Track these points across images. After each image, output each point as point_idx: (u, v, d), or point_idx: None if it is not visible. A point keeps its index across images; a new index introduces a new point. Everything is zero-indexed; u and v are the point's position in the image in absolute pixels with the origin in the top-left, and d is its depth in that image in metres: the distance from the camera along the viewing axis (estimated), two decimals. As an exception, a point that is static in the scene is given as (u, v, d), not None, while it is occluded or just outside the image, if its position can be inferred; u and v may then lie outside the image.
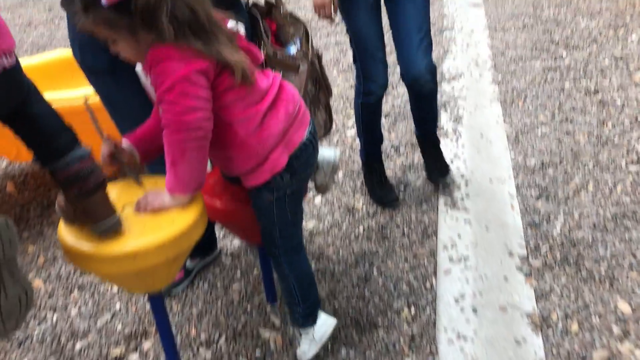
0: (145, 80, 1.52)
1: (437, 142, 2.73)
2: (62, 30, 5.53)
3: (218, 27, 1.38)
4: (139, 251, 1.33)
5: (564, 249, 2.33)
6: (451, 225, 2.46)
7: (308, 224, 2.59)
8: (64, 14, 3.57)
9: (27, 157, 2.73)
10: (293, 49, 1.94)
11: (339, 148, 3.16)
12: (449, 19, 4.93)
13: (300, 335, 1.86)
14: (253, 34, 1.93)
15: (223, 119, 1.45)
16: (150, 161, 1.61)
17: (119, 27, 1.31)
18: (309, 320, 1.84)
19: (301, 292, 1.78)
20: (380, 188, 2.67)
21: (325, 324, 1.86)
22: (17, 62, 1.22)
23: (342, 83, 3.97)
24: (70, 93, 2.73)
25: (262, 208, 1.64)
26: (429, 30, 2.37)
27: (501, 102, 3.55)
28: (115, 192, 1.53)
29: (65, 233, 1.40)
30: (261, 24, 1.92)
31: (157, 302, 1.58)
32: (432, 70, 2.39)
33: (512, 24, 4.78)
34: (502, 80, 3.83)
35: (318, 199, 2.76)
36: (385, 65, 2.43)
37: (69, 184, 1.29)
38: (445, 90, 3.67)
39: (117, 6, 1.27)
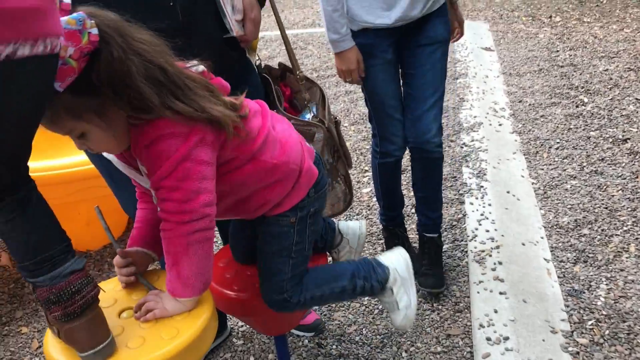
0: (123, 167, 1.31)
1: (440, 244, 2.42)
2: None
3: (190, 78, 1.18)
4: (136, 374, 1.11)
5: (612, 323, 2.09)
6: (485, 298, 2.23)
7: (326, 298, 2.36)
8: None
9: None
10: (308, 115, 1.77)
11: (354, 209, 2.96)
12: (462, 65, 4.78)
13: (397, 306, 1.59)
14: (265, 99, 1.75)
15: (243, 160, 1.28)
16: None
17: (86, 112, 1.09)
18: (378, 286, 1.56)
19: (338, 295, 1.55)
20: None
21: (394, 266, 1.59)
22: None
23: (355, 135, 3.79)
24: (72, 159, 2.55)
25: (279, 236, 1.44)
26: (444, 93, 2.20)
27: (524, 153, 3.36)
28: (113, 293, 1.32)
29: (51, 346, 1.18)
30: (274, 89, 1.75)
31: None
32: (440, 135, 2.20)
33: (527, 69, 4.62)
34: (523, 129, 3.64)
35: (336, 267, 2.54)
36: (403, 125, 2.25)
37: (51, 303, 1.08)
38: (464, 141, 3.48)
39: (76, 87, 1.05)
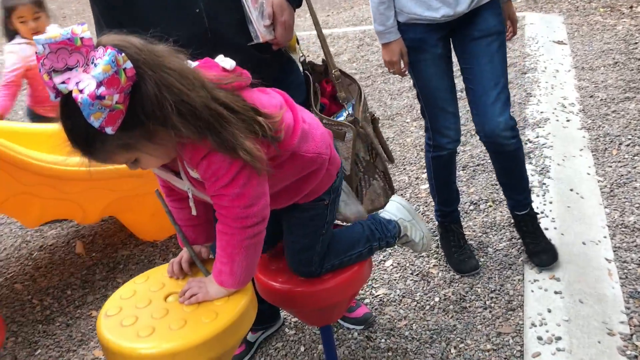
0: (159, 171, 1.37)
1: (534, 218, 2.38)
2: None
3: (223, 105, 1.17)
4: (178, 351, 1.18)
5: (676, 328, 2.00)
6: (540, 298, 2.18)
7: (377, 291, 2.39)
8: None
9: (94, 219, 2.71)
10: (344, 115, 1.80)
11: (412, 203, 2.96)
12: (531, 59, 4.64)
13: (412, 244, 1.81)
14: (307, 97, 1.80)
15: (284, 157, 1.34)
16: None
17: (138, 141, 1.14)
18: (393, 239, 1.74)
19: (356, 259, 1.63)
20: (458, 253, 2.42)
21: (399, 216, 1.77)
22: None
23: (416, 131, 3.77)
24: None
25: (314, 218, 1.51)
26: (507, 84, 2.15)
27: (592, 150, 3.24)
28: (162, 278, 1.41)
29: (103, 326, 1.28)
30: (312, 86, 1.80)
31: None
32: (511, 126, 2.16)
33: (602, 62, 4.43)
34: (592, 125, 3.50)
35: (389, 262, 2.56)
36: (457, 118, 2.24)
37: None
38: (529, 137, 3.40)
39: (125, 123, 1.09)
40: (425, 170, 3.25)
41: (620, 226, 2.58)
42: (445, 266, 2.46)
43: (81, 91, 1.02)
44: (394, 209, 1.80)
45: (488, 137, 2.17)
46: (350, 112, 1.79)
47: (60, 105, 1.09)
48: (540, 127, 3.52)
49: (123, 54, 1.05)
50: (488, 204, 2.85)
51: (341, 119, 1.79)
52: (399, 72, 2.15)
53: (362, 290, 2.41)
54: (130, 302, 1.33)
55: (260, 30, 1.58)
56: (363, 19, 7.00)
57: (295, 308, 1.65)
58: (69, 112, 1.07)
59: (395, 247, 2.64)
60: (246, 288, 1.34)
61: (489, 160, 2.74)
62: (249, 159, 1.17)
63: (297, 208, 1.49)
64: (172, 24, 1.45)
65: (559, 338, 1.97)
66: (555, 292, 2.18)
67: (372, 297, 2.37)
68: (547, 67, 4.46)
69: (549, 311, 2.10)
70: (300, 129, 1.36)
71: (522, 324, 2.09)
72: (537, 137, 3.40)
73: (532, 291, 2.22)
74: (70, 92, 1.04)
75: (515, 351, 1.99)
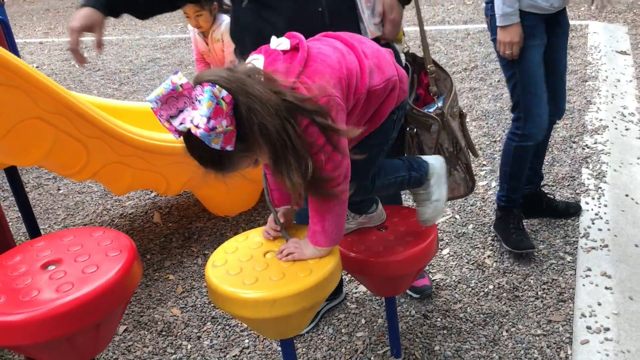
0: None
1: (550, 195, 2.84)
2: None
3: (289, 136, 1.33)
4: (278, 298, 1.38)
5: None
6: (590, 292, 2.31)
7: (434, 276, 2.55)
8: None
9: (175, 192, 2.95)
10: (433, 107, 1.97)
11: (468, 200, 3.10)
12: (593, 68, 4.70)
13: (428, 199, 1.83)
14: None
15: (362, 99, 1.52)
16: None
17: (252, 147, 1.32)
18: (422, 178, 1.81)
19: (398, 185, 1.79)
20: (516, 234, 2.58)
21: (432, 162, 1.84)
22: None
23: (475, 131, 3.90)
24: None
25: (383, 131, 1.67)
26: None
27: (650, 159, 3.31)
28: (259, 239, 1.61)
29: (212, 274, 1.49)
30: (410, 76, 1.99)
31: (288, 346, 1.62)
32: None
33: (665, 75, 4.46)
34: (651, 135, 3.57)
35: (445, 251, 2.71)
36: (548, 107, 2.45)
37: None
38: (587, 143, 3.49)
39: (239, 139, 1.28)
40: (483, 168, 3.39)
41: (673, 233, 2.67)
42: (500, 257, 2.61)
43: (197, 126, 1.21)
44: (432, 157, 1.87)
45: (559, 116, 2.59)
46: (439, 105, 1.96)
47: (185, 142, 1.30)
48: (598, 134, 3.61)
49: (217, 86, 1.22)
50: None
51: (431, 110, 1.96)
52: (515, 54, 2.34)
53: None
54: (234, 256, 1.54)
55: (370, 29, 1.78)
56: (424, 19, 7.10)
57: (367, 276, 1.84)
58: (193, 144, 1.28)
59: (451, 236, 2.80)
60: (334, 252, 1.53)
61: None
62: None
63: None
64: (296, 20, 1.67)
65: (607, 329, 2.11)
66: (606, 288, 2.31)
67: (429, 282, 2.53)
68: (609, 76, 4.51)
69: (599, 304, 2.23)
70: (367, 67, 1.51)
71: (572, 314, 2.23)
72: (595, 143, 3.49)
73: (584, 285, 2.35)
74: (189, 129, 1.23)
75: (564, 337, 2.12)
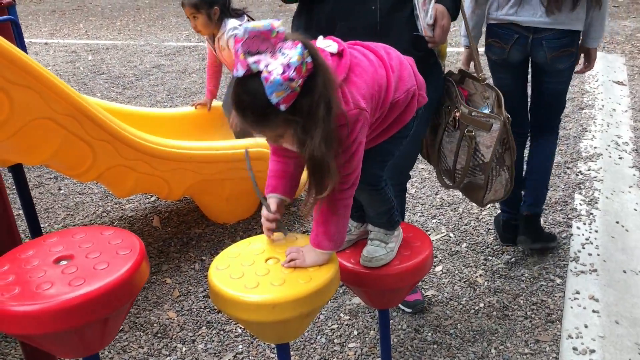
0: None
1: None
2: (212, 79, 6.03)
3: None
4: (278, 303, 1.44)
5: None
6: (578, 314, 2.37)
7: (427, 292, 2.61)
8: None
9: (176, 197, 3.01)
10: (487, 110, 2.13)
11: (464, 218, 3.17)
12: (590, 96, 4.80)
13: (386, 243, 1.82)
14: (447, 97, 2.18)
15: (385, 111, 1.62)
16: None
17: (293, 120, 1.37)
18: (398, 221, 1.86)
19: (391, 205, 1.83)
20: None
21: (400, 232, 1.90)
22: None
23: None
24: (223, 143, 2.99)
25: (404, 128, 1.74)
26: None
27: (641, 188, 3.39)
28: (262, 245, 1.67)
29: (214, 277, 1.55)
30: (456, 89, 2.15)
31: (283, 351, 1.67)
32: None
33: (659, 106, 4.56)
34: (644, 165, 3.66)
35: (439, 268, 2.77)
36: None
37: None
38: (581, 170, 3.57)
39: (292, 106, 1.33)
40: (478, 189, 3.45)
41: (661, 261, 2.73)
42: (492, 276, 2.67)
43: (269, 72, 1.27)
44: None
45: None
46: (489, 111, 2.13)
47: (236, 85, 1.35)
48: (592, 161, 3.69)
49: (307, 50, 1.31)
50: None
51: (485, 112, 2.12)
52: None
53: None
54: (237, 261, 1.59)
55: (424, 27, 1.97)
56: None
57: (362, 288, 1.89)
58: (247, 89, 1.32)
59: (445, 254, 2.86)
60: (333, 262, 1.59)
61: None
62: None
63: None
64: (352, 17, 1.78)
65: (593, 351, 2.16)
66: (593, 311, 2.37)
67: (422, 297, 2.59)
68: (605, 105, 4.61)
69: (586, 327, 2.29)
70: (393, 81, 1.59)
71: (560, 335, 2.29)
72: (589, 170, 3.57)
73: (572, 307, 2.41)
74: (253, 74, 1.29)
75: (551, 357, 2.18)
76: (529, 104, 2.72)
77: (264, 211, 1.67)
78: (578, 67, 2.63)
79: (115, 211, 3.48)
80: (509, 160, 2.15)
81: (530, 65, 2.61)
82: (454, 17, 2.08)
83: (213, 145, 2.93)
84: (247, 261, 1.59)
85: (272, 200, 1.68)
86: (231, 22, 3.20)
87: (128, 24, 9.67)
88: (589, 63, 2.64)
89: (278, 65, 1.28)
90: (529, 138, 2.77)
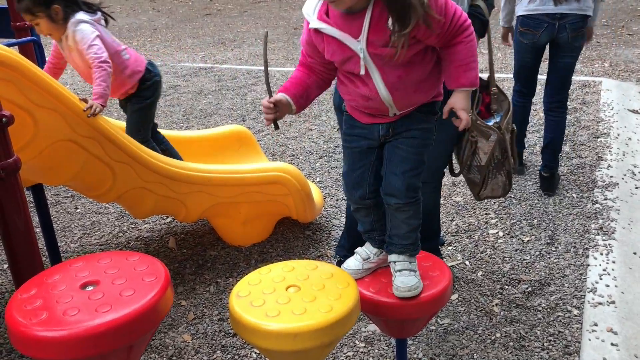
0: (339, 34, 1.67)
1: None
2: (228, 100, 6.09)
3: None
4: (300, 332, 1.44)
5: None
6: (596, 347, 2.35)
7: (443, 320, 2.59)
8: (231, 84, 3.91)
9: (193, 219, 3.02)
10: (493, 121, 2.35)
11: (479, 246, 3.16)
12: (605, 124, 4.79)
13: (415, 271, 1.84)
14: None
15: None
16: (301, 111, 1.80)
17: None
18: (419, 247, 1.91)
19: (419, 223, 1.87)
20: None
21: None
22: None
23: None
24: (240, 167, 3.02)
25: (427, 131, 1.82)
26: None
27: (659, 219, 3.37)
28: (282, 273, 1.67)
29: (236, 304, 1.55)
30: (477, 95, 2.32)
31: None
32: None
33: (675, 136, 4.55)
34: (660, 195, 3.64)
35: (455, 296, 2.76)
36: None
37: None
38: (597, 199, 3.56)
39: None
40: (494, 216, 3.45)
41: (679, 293, 2.71)
42: (508, 305, 2.65)
43: None
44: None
45: None
46: (497, 120, 2.35)
47: None
48: (609, 190, 3.67)
49: None
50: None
51: (490, 123, 2.37)
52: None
53: (428, 317, 2.62)
54: (257, 288, 1.60)
55: None
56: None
57: (381, 316, 1.89)
58: None
59: (461, 282, 2.85)
60: (353, 291, 1.59)
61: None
62: None
63: (415, 119, 1.78)
64: None
65: (612, 385, 2.14)
66: (612, 344, 2.35)
67: (438, 325, 2.58)
68: (620, 134, 4.60)
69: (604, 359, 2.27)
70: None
71: (578, 368, 2.26)
72: (605, 199, 3.55)
73: (590, 340, 2.39)
74: None
75: (569, 391, 2.16)
76: (544, 82, 3.76)
77: (266, 103, 1.68)
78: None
79: (131, 231, 3.50)
80: (508, 166, 2.41)
81: (549, 47, 3.56)
82: (480, 36, 2.27)
83: (230, 168, 2.96)
84: (268, 289, 1.60)
85: (278, 95, 1.72)
86: (78, 15, 2.77)
87: (145, 44, 9.80)
88: (590, 37, 3.68)
89: None
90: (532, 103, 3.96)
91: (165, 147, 3.23)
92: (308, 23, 1.70)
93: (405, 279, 1.80)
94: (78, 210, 3.79)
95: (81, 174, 2.54)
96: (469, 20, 1.67)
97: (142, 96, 3.07)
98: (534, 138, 4.53)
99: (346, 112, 1.89)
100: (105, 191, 2.66)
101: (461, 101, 1.73)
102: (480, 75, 2.35)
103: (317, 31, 1.68)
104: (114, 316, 1.24)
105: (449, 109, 1.75)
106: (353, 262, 1.93)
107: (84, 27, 2.76)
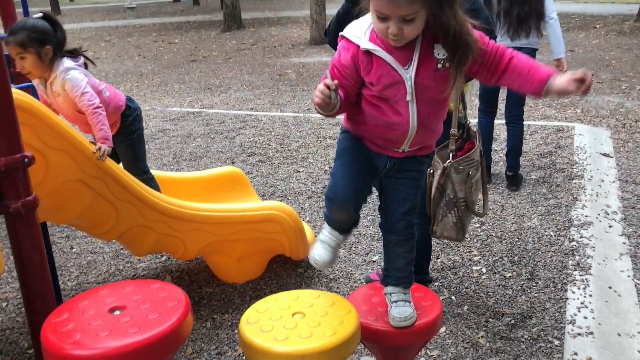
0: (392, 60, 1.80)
1: None
2: (217, 143, 6.26)
3: None
4: (307, 354, 1.57)
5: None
6: (576, 375, 2.49)
7: (432, 352, 2.72)
8: (219, 128, 4.08)
9: (191, 257, 3.14)
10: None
11: (463, 282, 3.31)
12: (579, 167, 5.04)
13: (409, 302, 2.01)
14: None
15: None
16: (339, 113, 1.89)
17: (429, 1, 1.64)
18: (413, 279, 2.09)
19: (414, 250, 2.06)
20: None
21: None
22: None
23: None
24: (237, 205, 3.15)
25: (421, 174, 2.01)
26: None
27: (632, 256, 3.56)
28: (288, 301, 1.81)
29: (246, 330, 1.68)
30: (458, 139, 2.66)
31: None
32: None
33: (645, 178, 4.80)
34: (633, 233, 3.84)
35: (442, 329, 2.89)
36: None
37: None
38: (574, 237, 3.75)
39: None
40: (477, 253, 3.61)
41: (653, 325, 2.88)
42: (493, 337, 2.79)
43: None
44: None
45: None
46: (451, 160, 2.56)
47: None
48: (584, 229, 3.88)
49: None
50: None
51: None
52: None
53: (417, 349, 2.74)
54: (265, 315, 1.73)
55: None
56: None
57: (378, 344, 2.02)
58: None
59: (447, 316, 2.98)
60: (354, 319, 1.73)
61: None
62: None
63: (417, 161, 1.97)
64: None
65: (592, 410, 2.27)
66: (591, 372, 2.49)
67: (427, 357, 2.70)
68: (593, 176, 4.84)
69: (585, 387, 2.41)
70: None
71: (560, 394, 2.40)
72: (581, 237, 3.75)
73: (570, 368, 2.53)
74: None
75: (553, 415, 2.29)
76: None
77: (329, 83, 1.73)
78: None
79: (127, 270, 3.59)
80: (460, 211, 2.57)
81: None
82: (468, 80, 2.54)
83: (228, 207, 3.10)
84: (275, 315, 1.73)
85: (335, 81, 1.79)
86: (66, 62, 2.84)
87: (132, 89, 9.99)
88: (563, 67, 4.51)
89: None
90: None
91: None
92: (350, 44, 1.80)
93: (400, 309, 1.95)
94: (74, 250, 3.88)
95: (87, 212, 2.66)
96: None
97: (128, 132, 3.17)
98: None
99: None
100: (108, 229, 2.78)
101: (560, 78, 1.73)
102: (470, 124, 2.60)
103: (366, 52, 1.77)
104: (143, 337, 1.36)
105: (566, 86, 1.72)
106: (326, 254, 1.99)
107: (73, 75, 2.82)
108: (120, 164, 3.19)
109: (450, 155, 2.55)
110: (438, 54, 1.74)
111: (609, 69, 9.47)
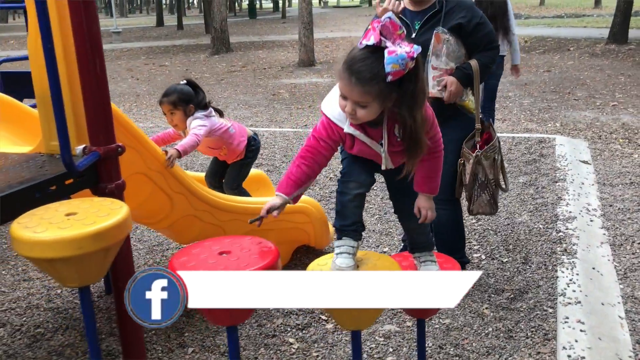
0: (365, 138, 2.01)
1: None
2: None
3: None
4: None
5: (669, 364, 2.74)
6: (569, 333, 2.95)
7: (444, 320, 3.15)
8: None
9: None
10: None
11: (466, 267, 3.76)
12: (561, 172, 5.56)
13: (435, 261, 2.36)
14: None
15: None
16: None
17: (385, 96, 1.79)
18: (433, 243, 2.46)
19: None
20: None
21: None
22: None
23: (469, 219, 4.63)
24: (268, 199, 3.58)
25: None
26: None
27: (611, 244, 4.06)
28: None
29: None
30: (475, 131, 3.15)
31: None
32: None
33: (620, 181, 5.34)
34: (611, 226, 4.35)
35: (451, 303, 3.33)
36: None
37: None
38: (560, 229, 4.24)
39: (392, 84, 1.75)
40: (476, 243, 4.07)
41: (631, 297, 3.35)
42: (496, 309, 3.24)
43: (394, 49, 1.71)
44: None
45: None
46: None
47: (364, 49, 1.77)
48: (569, 222, 4.37)
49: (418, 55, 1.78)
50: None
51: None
52: None
53: (432, 319, 3.17)
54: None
55: (431, 90, 2.88)
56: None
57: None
58: (371, 55, 1.75)
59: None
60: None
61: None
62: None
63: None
64: None
65: (583, 357, 2.73)
66: (581, 330, 2.95)
67: (440, 324, 3.14)
68: (575, 179, 5.37)
69: (576, 341, 2.86)
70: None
71: (556, 347, 2.85)
72: (567, 229, 4.24)
73: (563, 328, 2.99)
74: (379, 46, 1.73)
75: (551, 363, 2.74)
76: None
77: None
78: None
79: (164, 262, 3.97)
80: (491, 188, 3.16)
81: None
82: (465, 85, 2.97)
83: (263, 200, 3.51)
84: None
85: (277, 200, 2.10)
86: (197, 114, 3.53)
87: (131, 108, 10.37)
88: (518, 73, 6.40)
89: (403, 49, 1.71)
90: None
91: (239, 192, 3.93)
92: (335, 126, 2.00)
93: (428, 266, 2.39)
94: (110, 247, 4.25)
95: (146, 202, 3.06)
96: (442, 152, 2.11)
97: (245, 157, 3.82)
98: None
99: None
100: (161, 218, 3.18)
101: (425, 202, 2.17)
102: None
103: (349, 134, 2.01)
104: (252, 269, 1.78)
105: (418, 209, 2.18)
106: (345, 261, 2.13)
107: (196, 120, 3.51)
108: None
109: (478, 145, 3.10)
110: (397, 133, 1.94)
111: (584, 87, 10.14)
